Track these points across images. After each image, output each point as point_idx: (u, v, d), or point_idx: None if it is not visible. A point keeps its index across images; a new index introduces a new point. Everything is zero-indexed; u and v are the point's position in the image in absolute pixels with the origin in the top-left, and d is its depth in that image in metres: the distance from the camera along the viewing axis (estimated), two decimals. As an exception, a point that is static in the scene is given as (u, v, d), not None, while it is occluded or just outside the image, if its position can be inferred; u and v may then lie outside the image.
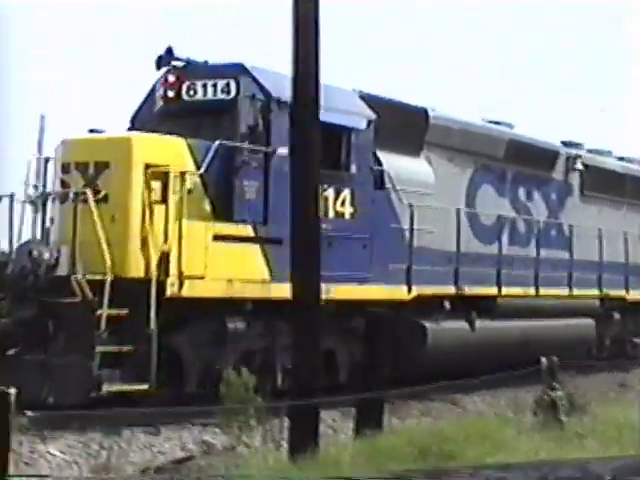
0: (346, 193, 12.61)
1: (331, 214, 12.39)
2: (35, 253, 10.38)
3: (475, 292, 14.67)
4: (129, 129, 12.18)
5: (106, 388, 9.98)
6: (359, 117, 12.74)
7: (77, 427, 9.43)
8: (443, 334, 13.82)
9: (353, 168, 12.69)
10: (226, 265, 11.04)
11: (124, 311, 10.33)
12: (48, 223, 11.03)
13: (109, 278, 10.06)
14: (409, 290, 13.49)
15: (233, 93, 11.64)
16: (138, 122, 12.37)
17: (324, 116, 11.39)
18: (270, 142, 11.68)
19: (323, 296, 11.12)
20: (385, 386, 10.50)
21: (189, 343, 11.03)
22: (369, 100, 13.34)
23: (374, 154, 13.45)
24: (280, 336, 11.83)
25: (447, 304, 14.10)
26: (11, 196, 11.01)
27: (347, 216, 12.65)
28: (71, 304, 10.16)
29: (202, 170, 10.95)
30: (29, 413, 7.06)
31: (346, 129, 12.52)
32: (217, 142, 11.13)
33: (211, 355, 11.22)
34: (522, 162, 16.33)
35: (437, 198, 14.41)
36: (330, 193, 12.38)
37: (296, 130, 9.56)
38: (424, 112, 14.42)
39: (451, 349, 14.02)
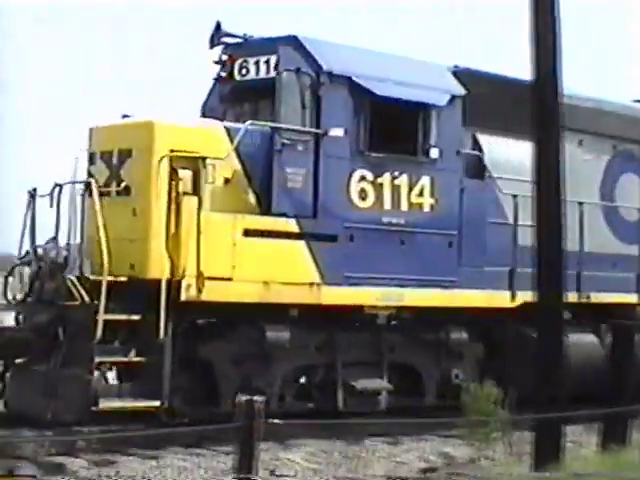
0: (424, 181, 10.69)
1: (404, 206, 10.53)
2: (40, 252, 9.32)
3: (605, 300, 12.25)
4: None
5: (103, 404, 8.70)
6: (440, 92, 10.76)
7: (319, 436, 9.46)
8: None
9: (434, 152, 10.73)
10: (261, 265, 9.48)
11: (135, 317, 9.04)
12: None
13: (105, 279, 8.80)
14: (513, 296, 11.34)
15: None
16: (208, 110, 11.07)
17: (393, 91, 9.70)
18: (320, 122, 10.01)
19: (390, 303, 9.43)
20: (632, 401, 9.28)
21: (222, 355, 9.57)
22: (467, 75, 11.30)
23: (473, 137, 11.45)
24: (340, 350, 10.17)
25: (565, 313, 11.76)
26: (33, 191, 10.03)
27: (426, 208, 10.72)
28: (72, 308, 9.00)
29: (226, 154, 9.42)
30: (275, 421, 6.85)
31: (423, 106, 10.60)
32: (248, 123, 9.62)
33: (249, 370, 9.71)
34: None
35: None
36: (404, 181, 10.52)
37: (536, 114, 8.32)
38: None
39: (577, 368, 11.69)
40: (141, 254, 9.30)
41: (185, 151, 9.50)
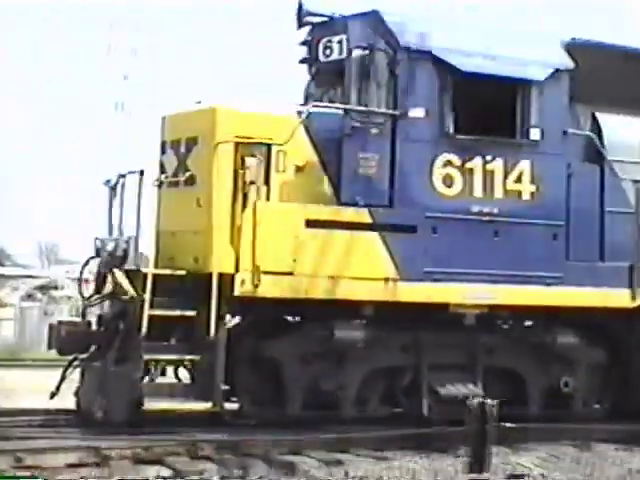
0: (523, 165, 9.57)
1: (499, 193, 9.47)
2: (98, 243, 9.06)
3: None
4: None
5: (149, 404, 8.29)
6: (540, 66, 9.58)
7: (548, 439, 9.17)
8: None
9: (534, 133, 9.59)
10: (327, 258, 8.76)
11: (189, 313, 8.59)
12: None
13: (151, 272, 8.40)
14: (633, 295, 9.98)
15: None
16: (309, 95, 10.48)
17: (482, 66, 8.77)
18: (397, 103, 9.15)
19: (480, 301, 8.52)
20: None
21: (288, 355, 8.95)
22: (584, 48, 10.06)
23: (592, 115, 10.20)
24: (426, 352, 9.30)
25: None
26: (107, 182, 9.82)
27: (525, 196, 9.59)
28: (129, 302, 8.68)
29: (290, 140, 8.77)
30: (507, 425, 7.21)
31: (518, 81, 9.49)
32: (311, 105, 8.93)
33: (318, 371, 9.02)
34: None
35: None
36: (498, 165, 9.46)
37: None
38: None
39: None
40: (204, 247, 8.82)
41: (252, 137, 8.93)
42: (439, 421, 9.19)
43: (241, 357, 8.79)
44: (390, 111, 9.09)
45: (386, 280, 8.92)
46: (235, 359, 8.72)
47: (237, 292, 8.48)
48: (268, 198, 8.90)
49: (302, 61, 10.22)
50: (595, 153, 9.91)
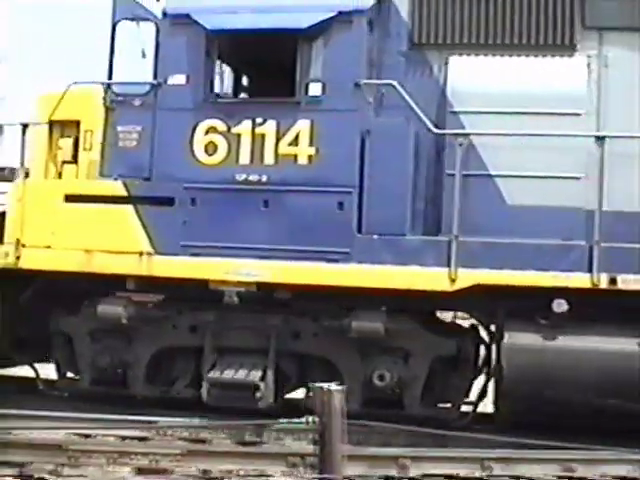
0: (300, 126, 8.51)
1: (270, 159, 8.56)
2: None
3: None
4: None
5: None
6: (314, 12, 8.35)
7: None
8: None
9: (314, 88, 8.45)
10: (83, 233, 8.92)
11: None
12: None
13: None
14: (453, 277, 8.16)
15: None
16: None
17: (235, 22, 8.45)
18: (158, 72, 8.87)
19: (245, 278, 8.36)
20: None
21: (77, 330, 9.28)
22: None
23: (446, 61, 8.64)
24: (210, 333, 8.95)
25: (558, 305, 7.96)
26: None
27: (302, 160, 8.49)
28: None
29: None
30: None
31: (288, 32, 8.41)
32: (72, 83, 9.10)
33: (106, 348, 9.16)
34: None
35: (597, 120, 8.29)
36: (270, 129, 8.55)
37: None
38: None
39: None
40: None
41: (68, 119, 9.44)
42: (216, 408, 8.68)
43: (35, 328, 9.33)
44: (149, 81, 8.86)
45: (140, 254, 8.74)
46: (30, 330, 9.32)
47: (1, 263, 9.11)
48: (77, 176, 9.32)
49: None
50: (400, 105, 8.33)
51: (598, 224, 7.93)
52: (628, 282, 7.90)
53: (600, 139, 7.97)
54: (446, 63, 8.61)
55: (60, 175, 9.45)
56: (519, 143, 8.23)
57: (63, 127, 9.43)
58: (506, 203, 8.32)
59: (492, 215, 8.28)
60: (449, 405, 8.78)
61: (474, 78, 8.52)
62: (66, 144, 9.40)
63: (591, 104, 8.32)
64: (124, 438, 7.74)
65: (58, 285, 9.18)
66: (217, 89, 8.87)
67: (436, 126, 8.36)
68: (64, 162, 9.44)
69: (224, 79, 9.73)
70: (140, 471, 6.89)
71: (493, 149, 8.34)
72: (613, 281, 7.90)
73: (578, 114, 8.22)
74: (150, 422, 7.99)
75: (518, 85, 8.44)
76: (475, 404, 8.84)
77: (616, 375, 7.82)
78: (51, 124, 9.39)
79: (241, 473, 6.95)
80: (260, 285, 8.54)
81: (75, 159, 9.35)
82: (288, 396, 9.11)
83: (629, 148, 8.20)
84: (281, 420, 6.90)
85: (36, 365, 9.77)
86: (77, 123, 9.31)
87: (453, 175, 8.28)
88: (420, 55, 8.79)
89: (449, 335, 8.60)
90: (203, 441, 7.83)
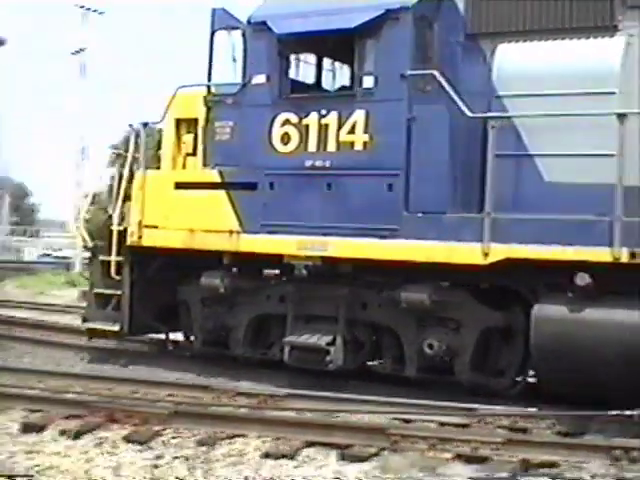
0: (357, 116, 9.40)
1: (332, 146, 9.52)
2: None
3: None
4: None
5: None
6: (363, 11, 9.20)
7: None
8: None
9: (367, 80, 9.33)
10: (187, 214, 10.40)
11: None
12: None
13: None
14: (486, 251, 8.73)
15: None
16: None
17: (298, 25, 9.65)
18: (246, 73, 10.13)
19: (310, 252, 9.73)
20: None
21: (190, 298, 10.81)
22: None
23: (493, 50, 9.22)
24: (292, 303, 10.15)
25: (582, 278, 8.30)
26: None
27: (358, 147, 9.38)
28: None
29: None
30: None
31: (344, 32, 9.32)
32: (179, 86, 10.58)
33: (213, 313, 10.61)
34: None
35: (632, 98, 8.52)
36: (333, 119, 9.50)
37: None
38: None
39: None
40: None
41: (189, 117, 11.01)
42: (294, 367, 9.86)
43: (160, 297, 10.98)
44: (237, 82, 10.15)
45: (231, 232, 10.08)
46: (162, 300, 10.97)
47: (128, 242, 10.83)
48: (196, 167, 10.90)
49: None
50: (443, 92, 8.99)
51: (619, 199, 8.14)
52: (649, 256, 8.06)
53: (621, 116, 8.16)
54: (494, 50, 9.13)
55: (184, 166, 10.98)
56: (556, 123, 8.61)
57: (187, 124, 10.95)
58: (544, 180, 8.73)
59: (531, 192, 8.73)
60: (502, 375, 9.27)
61: (515, 63, 8.99)
62: (188, 139, 10.93)
63: (627, 82, 8.49)
64: (443, 424, 7.73)
65: (180, 260, 10.70)
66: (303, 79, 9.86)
67: (486, 111, 8.89)
68: (187, 154, 10.97)
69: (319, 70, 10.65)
70: (459, 457, 6.81)
71: (533, 130, 8.77)
72: (633, 255, 8.10)
73: (613, 92, 8.45)
74: (470, 409, 8.05)
75: (556, 67, 8.80)
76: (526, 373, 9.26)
77: (636, 347, 8.02)
78: (178, 122, 10.94)
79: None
80: (324, 259, 9.55)
81: (194, 152, 10.85)
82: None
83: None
84: (610, 412, 7.14)
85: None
86: (195, 121, 10.77)
87: (499, 156, 8.81)
88: (475, 45, 9.36)
89: (498, 307, 9.11)
90: (524, 430, 7.68)
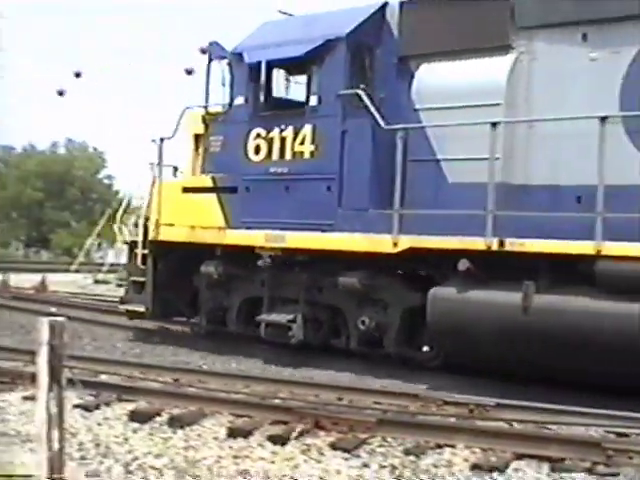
0: (306, 130, 11.20)
1: (289, 155, 11.36)
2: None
3: (534, 247, 9.26)
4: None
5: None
6: (310, 42, 10.98)
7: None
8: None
9: (313, 100, 11.15)
10: (189, 213, 12.51)
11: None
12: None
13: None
14: (395, 242, 10.31)
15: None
16: None
17: (261, 55, 11.70)
18: (232, 96, 12.13)
19: (273, 244, 11.78)
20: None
21: (199, 282, 12.93)
22: (410, 6, 10.84)
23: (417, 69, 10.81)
24: (269, 287, 12.07)
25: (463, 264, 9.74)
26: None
27: (307, 155, 11.18)
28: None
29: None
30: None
31: (295, 60, 11.17)
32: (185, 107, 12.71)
33: (215, 296, 12.67)
34: None
35: (515, 109, 9.90)
36: (289, 132, 11.36)
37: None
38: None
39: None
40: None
41: (200, 132, 13.19)
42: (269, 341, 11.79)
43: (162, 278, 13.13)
44: (225, 103, 12.19)
45: (219, 228, 12.13)
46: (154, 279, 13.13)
47: (150, 237, 13.09)
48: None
49: None
50: (363, 108, 10.64)
51: (491, 196, 9.52)
52: (514, 245, 9.40)
53: (493, 125, 9.54)
54: (417, 70, 10.68)
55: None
56: (457, 131, 10.07)
57: (202, 138, 13.10)
58: (448, 182, 10.22)
59: (439, 192, 10.24)
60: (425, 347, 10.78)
61: (428, 81, 10.50)
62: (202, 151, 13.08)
63: (512, 95, 9.83)
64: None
65: (194, 252, 12.82)
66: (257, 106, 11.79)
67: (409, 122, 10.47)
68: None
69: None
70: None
71: (440, 138, 10.27)
72: (502, 244, 9.46)
73: (499, 104, 9.84)
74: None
75: (459, 83, 10.26)
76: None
77: (503, 322, 9.37)
78: (196, 137, 13.12)
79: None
80: (283, 250, 11.40)
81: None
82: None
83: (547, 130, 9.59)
84: None
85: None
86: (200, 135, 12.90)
87: (412, 161, 10.39)
88: (405, 65, 10.93)
89: (416, 289, 10.62)
90: None
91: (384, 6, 11.08)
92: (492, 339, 9.51)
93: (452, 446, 6.97)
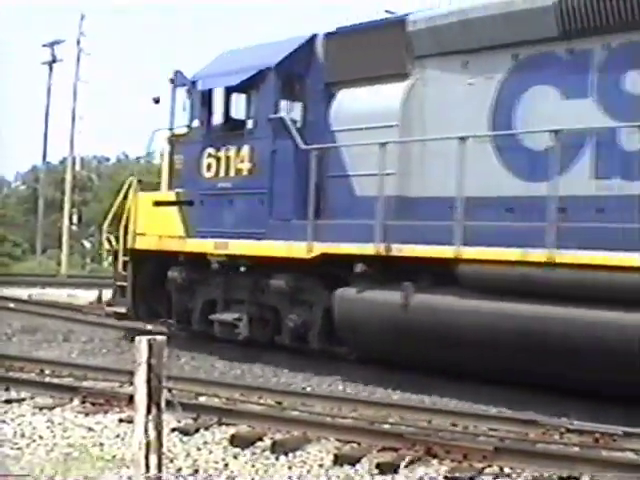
0: (245, 150, 12.62)
1: (232, 172, 12.73)
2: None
3: (411, 252, 10.46)
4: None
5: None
6: (245, 72, 12.39)
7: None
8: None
9: (249, 123, 12.59)
10: (157, 224, 14.06)
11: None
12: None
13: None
14: (309, 249, 11.63)
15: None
16: None
17: (209, 83, 13.25)
18: (190, 118, 13.65)
19: (219, 251, 13.36)
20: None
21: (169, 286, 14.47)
22: (333, 37, 12.17)
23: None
24: (221, 289, 13.53)
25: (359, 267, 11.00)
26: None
27: (245, 173, 12.57)
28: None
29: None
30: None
31: (233, 88, 12.69)
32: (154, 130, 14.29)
33: (182, 298, 14.17)
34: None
35: (411, 129, 11.14)
36: (232, 152, 12.78)
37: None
38: (399, 22, 11.35)
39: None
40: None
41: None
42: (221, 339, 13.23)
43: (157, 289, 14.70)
44: (185, 125, 13.72)
45: (180, 237, 13.64)
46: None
47: (128, 245, 14.68)
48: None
49: None
50: (286, 130, 12.01)
51: (380, 207, 10.75)
52: (400, 250, 10.61)
53: (382, 145, 10.77)
54: (336, 95, 12.00)
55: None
56: (361, 150, 11.34)
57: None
58: (356, 195, 11.49)
59: (350, 204, 11.52)
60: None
61: (341, 105, 11.80)
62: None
63: (406, 117, 11.05)
64: None
65: (166, 259, 14.35)
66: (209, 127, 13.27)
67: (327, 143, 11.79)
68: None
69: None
70: None
71: (351, 156, 11.56)
72: (388, 249, 10.68)
73: (395, 125, 11.07)
74: None
75: (365, 107, 11.52)
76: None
77: (389, 318, 10.60)
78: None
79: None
80: (228, 256, 12.83)
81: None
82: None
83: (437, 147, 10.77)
84: None
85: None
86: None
87: (330, 177, 11.71)
88: (329, 91, 12.24)
89: (333, 291, 11.86)
90: None
91: (313, 37, 12.41)
92: (380, 334, 10.73)
93: (576, 478, 6.57)
